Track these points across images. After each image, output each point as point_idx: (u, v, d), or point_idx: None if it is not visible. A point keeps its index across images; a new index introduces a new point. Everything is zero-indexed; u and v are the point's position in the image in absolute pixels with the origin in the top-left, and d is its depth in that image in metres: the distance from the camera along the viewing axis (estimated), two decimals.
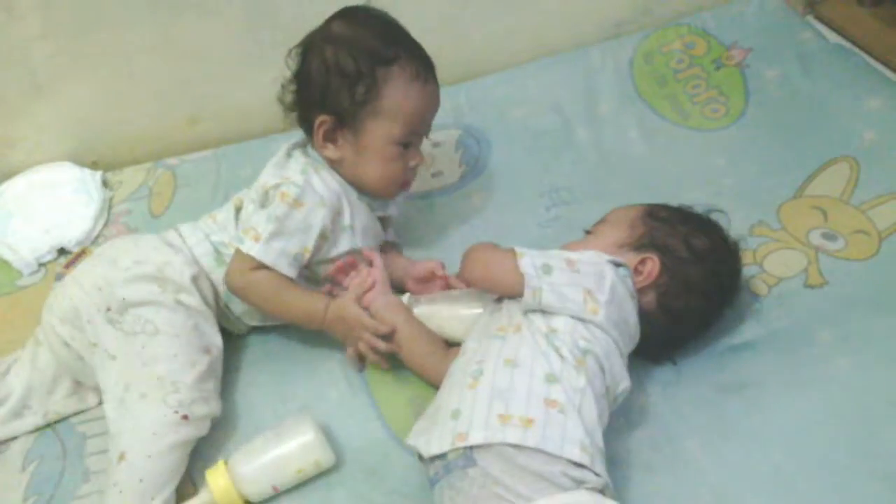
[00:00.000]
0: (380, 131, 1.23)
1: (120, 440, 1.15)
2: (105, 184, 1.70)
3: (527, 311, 1.10)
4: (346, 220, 1.28)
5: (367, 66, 1.21)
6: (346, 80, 1.21)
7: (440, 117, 1.72)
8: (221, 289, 1.29)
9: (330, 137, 1.25)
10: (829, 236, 1.37)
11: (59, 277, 1.52)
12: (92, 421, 1.29)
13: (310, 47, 1.26)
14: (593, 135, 1.63)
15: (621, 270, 1.14)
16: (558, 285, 1.08)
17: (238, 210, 1.31)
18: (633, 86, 1.72)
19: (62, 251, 1.58)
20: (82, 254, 1.47)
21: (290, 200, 1.21)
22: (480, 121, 1.69)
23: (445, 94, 1.76)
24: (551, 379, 1.02)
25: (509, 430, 0.97)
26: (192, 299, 1.25)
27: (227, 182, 1.65)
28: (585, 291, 1.08)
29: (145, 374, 1.17)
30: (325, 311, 1.24)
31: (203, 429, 1.20)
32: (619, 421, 1.17)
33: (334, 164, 1.27)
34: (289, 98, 1.29)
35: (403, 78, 1.23)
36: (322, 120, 1.23)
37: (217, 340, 1.26)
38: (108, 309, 1.21)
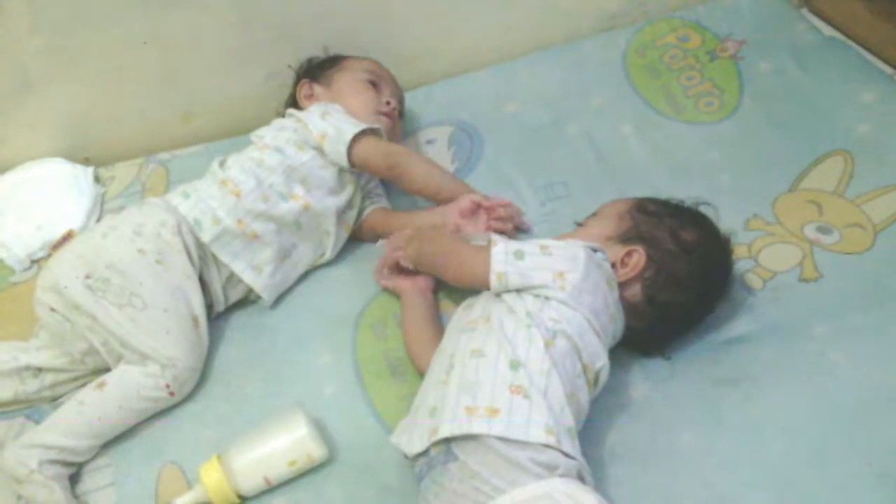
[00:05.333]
0: (346, 77, 1.54)
1: (109, 373, 1.24)
2: (97, 179, 1.69)
3: (499, 293, 1.12)
4: None
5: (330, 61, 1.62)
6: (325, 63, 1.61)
7: (432, 113, 1.72)
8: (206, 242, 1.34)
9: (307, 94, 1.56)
10: (824, 230, 1.36)
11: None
12: None
13: None
14: (587, 129, 1.63)
15: (598, 255, 1.15)
16: (527, 269, 1.10)
17: (221, 165, 1.42)
18: (626, 79, 1.72)
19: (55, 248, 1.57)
20: (68, 236, 1.46)
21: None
22: (473, 116, 1.69)
23: (437, 90, 1.77)
24: (515, 365, 1.03)
25: (475, 421, 0.99)
26: (176, 257, 1.30)
27: None
28: (556, 273, 1.09)
29: (141, 344, 1.23)
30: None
31: (178, 401, 1.27)
32: (614, 415, 1.17)
33: None
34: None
35: (358, 59, 1.61)
36: (303, 81, 1.57)
37: (202, 309, 1.30)
38: (88, 276, 1.26)
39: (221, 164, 1.42)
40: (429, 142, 1.67)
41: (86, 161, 1.73)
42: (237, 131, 1.72)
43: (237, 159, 1.41)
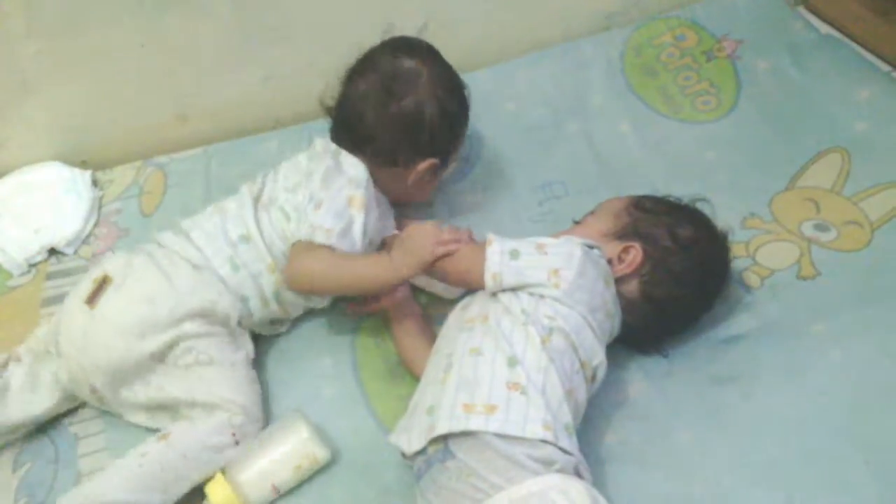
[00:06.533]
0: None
1: (171, 424, 1.18)
2: (95, 183, 1.68)
3: (495, 293, 1.12)
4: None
5: (465, 116, 1.40)
6: (454, 129, 1.38)
7: None
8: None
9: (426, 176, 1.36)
10: (821, 227, 1.37)
11: (60, 296, 1.51)
12: (85, 422, 1.28)
13: (415, 88, 1.32)
14: (585, 128, 1.63)
15: (594, 252, 1.15)
16: (522, 268, 1.10)
17: (256, 199, 1.32)
18: (624, 79, 1.72)
19: (52, 252, 1.57)
20: (104, 283, 1.26)
21: (358, 205, 1.25)
22: (471, 115, 1.68)
23: None
24: (513, 362, 1.03)
25: (473, 418, 0.99)
26: (243, 336, 1.28)
27: (218, 180, 1.64)
28: (552, 271, 1.10)
29: (211, 397, 1.18)
30: (389, 251, 1.24)
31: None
32: (612, 413, 1.17)
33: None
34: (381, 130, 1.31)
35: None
36: (432, 163, 1.33)
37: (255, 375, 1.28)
38: (153, 354, 1.19)
39: (256, 202, 1.32)
40: None
41: (83, 164, 1.72)
42: (235, 134, 1.72)
43: (273, 237, 1.29)
